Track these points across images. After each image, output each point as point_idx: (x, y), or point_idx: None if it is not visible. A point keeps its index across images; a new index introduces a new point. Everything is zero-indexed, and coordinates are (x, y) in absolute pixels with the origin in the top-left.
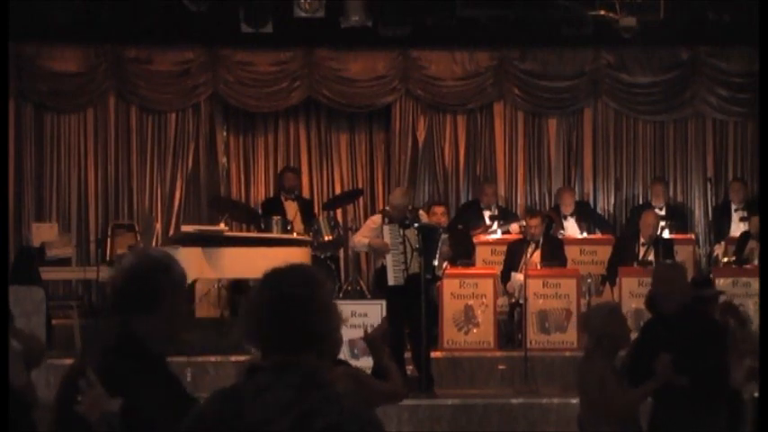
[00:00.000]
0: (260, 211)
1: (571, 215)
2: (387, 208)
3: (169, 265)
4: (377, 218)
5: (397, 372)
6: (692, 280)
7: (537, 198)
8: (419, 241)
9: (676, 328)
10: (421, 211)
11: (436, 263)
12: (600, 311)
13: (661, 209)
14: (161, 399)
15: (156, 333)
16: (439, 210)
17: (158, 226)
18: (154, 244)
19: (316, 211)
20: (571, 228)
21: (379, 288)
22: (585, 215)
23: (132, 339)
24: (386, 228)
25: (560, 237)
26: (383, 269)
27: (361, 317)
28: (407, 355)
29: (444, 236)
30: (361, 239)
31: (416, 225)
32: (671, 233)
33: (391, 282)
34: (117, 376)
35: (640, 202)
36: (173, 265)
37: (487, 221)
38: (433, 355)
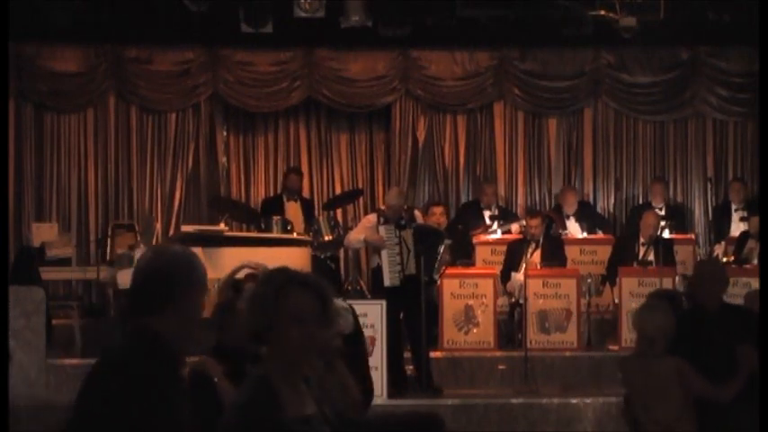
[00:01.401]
0: (260, 210)
1: (573, 215)
2: (382, 208)
3: (189, 262)
4: (372, 217)
5: (353, 382)
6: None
7: (537, 198)
8: (416, 243)
9: (721, 323)
10: (417, 212)
11: (436, 267)
12: (662, 309)
13: (661, 209)
14: (181, 399)
15: (174, 332)
16: (438, 210)
17: (158, 226)
18: (154, 244)
19: (316, 211)
20: (573, 228)
21: (376, 288)
22: (587, 215)
23: (150, 339)
24: (381, 228)
25: (563, 236)
26: (379, 269)
27: (361, 317)
28: (407, 355)
29: (448, 242)
30: (356, 236)
31: (414, 226)
32: (671, 233)
33: (387, 283)
34: (137, 376)
35: (640, 202)
36: (192, 261)
37: (487, 221)
38: (433, 355)
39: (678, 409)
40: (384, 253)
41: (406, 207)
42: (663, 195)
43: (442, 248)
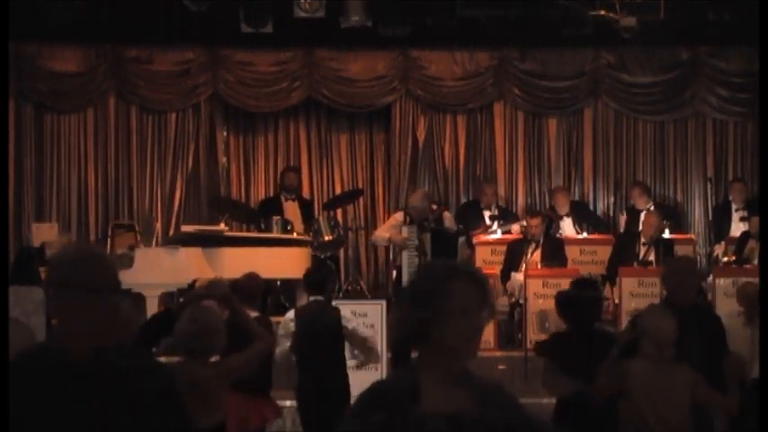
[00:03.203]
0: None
1: (567, 215)
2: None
3: (64, 264)
4: (399, 215)
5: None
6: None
7: (537, 198)
8: (432, 246)
9: (694, 322)
10: (446, 213)
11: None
12: (669, 314)
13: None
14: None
15: (67, 336)
16: None
17: (158, 226)
18: (154, 244)
19: (316, 211)
20: (567, 228)
21: (394, 287)
22: (582, 215)
23: (47, 349)
24: (405, 228)
25: (559, 236)
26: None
27: (361, 317)
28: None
29: (462, 239)
30: (382, 234)
31: (432, 229)
32: (671, 233)
33: (405, 283)
34: (33, 387)
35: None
36: (68, 264)
37: (487, 221)
38: None
39: (686, 413)
40: (405, 253)
41: (435, 208)
42: (644, 198)
43: (459, 247)
